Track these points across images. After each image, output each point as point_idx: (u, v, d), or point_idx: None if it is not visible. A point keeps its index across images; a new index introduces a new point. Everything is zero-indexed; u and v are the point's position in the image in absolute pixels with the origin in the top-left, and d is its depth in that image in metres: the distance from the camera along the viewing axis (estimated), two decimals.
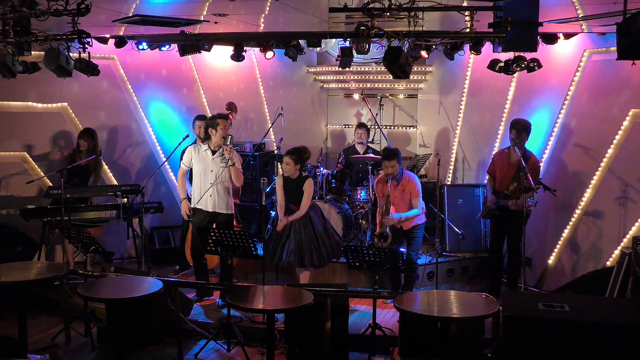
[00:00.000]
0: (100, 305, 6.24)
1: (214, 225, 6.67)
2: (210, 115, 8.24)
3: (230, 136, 6.51)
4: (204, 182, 6.66)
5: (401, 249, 6.86)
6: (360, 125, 8.77)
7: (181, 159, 7.23)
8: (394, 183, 6.77)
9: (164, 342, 6.13)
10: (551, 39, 6.95)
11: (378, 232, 6.79)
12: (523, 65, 6.63)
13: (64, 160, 7.74)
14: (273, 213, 8.17)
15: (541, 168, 7.42)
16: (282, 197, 6.88)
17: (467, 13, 5.85)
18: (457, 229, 7.98)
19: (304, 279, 6.90)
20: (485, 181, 7.38)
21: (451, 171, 8.96)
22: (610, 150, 6.72)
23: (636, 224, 6.49)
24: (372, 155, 8.34)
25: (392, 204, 6.79)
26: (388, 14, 5.43)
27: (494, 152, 7.75)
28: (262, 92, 9.58)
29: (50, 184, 7.66)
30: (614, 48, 5.31)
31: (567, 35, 6.94)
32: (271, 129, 9.08)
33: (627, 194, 6.58)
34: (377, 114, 9.05)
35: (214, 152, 6.62)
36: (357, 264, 5.94)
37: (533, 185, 6.64)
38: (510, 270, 7.11)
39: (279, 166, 9.13)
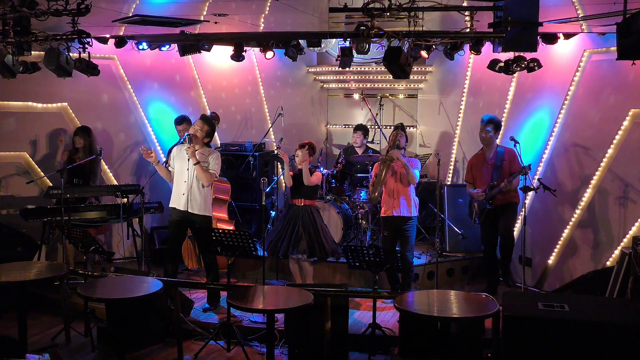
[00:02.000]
0: (100, 305, 6.25)
1: (190, 229, 6.78)
2: (210, 115, 8.24)
3: (189, 135, 6.47)
4: (180, 180, 6.61)
5: (398, 248, 6.88)
6: (356, 128, 8.72)
7: (167, 159, 7.16)
8: (401, 150, 6.81)
9: (164, 342, 6.13)
10: (551, 39, 6.95)
11: (384, 157, 6.81)
12: (523, 65, 6.62)
13: (64, 161, 7.72)
14: (273, 213, 8.18)
15: (541, 168, 7.44)
16: (290, 181, 7.03)
17: (467, 13, 5.86)
18: (457, 229, 7.98)
19: (309, 274, 6.98)
20: (466, 188, 7.37)
21: (451, 171, 8.96)
22: (610, 150, 6.72)
23: (636, 224, 6.49)
24: (372, 154, 8.34)
25: (390, 183, 6.85)
26: (388, 14, 5.43)
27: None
28: (262, 92, 9.58)
29: (50, 184, 7.67)
30: (614, 48, 5.32)
31: (567, 35, 6.94)
32: (271, 129, 9.09)
33: (627, 194, 6.58)
34: (377, 114, 9.04)
35: None
36: (357, 264, 5.94)
37: (531, 184, 6.67)
38: (502, 254, 7.12)
39: (279, 166, 9.15)
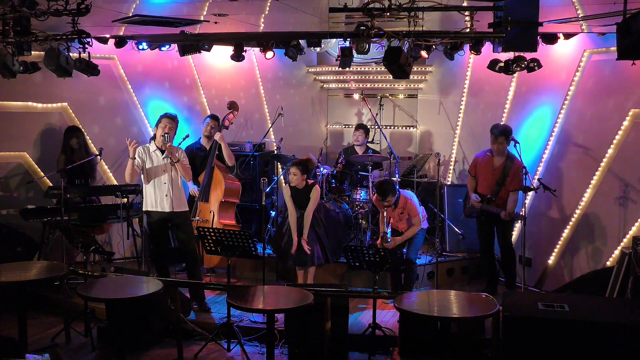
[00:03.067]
0: (100, 305, 6.25)
1: (172, 228, 6.78)
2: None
3: (166, 134, 6.42)
4: (157, 182, 6.54)
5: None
6: (358, 126, 8.74)
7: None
8: (392, 207, 6.81)
9: (164, 342, 6.13)
10: (551, 39, 6.94)
11: (379, 243, 6.88)
12: (523, 65, 6.62)
13: (62, 164, 7.68)
14: (273, 213, 8.18)
15: (541, 168, 7.44)
16: (292, 206, 7.00)
17: (467, 13, 5.86)
18: (457, 229, 7.98)
19: (311, 275, 6.99)
20: (467, 180, 7.36)
21: (451, 171, 8.96)
22: (610, 150, 6.72)
23: (636, 224, 6.49)
24: (372, 154, 8.34)
25: (391, 221, 6.96)
26: (388, 14, 5.43)
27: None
28: (262, 92, 9.58)
29: (50, 184, 7.66)
30: (614, 48, 5.31)
31: (567, 35, 6.94)
32: (271, 129, 9.08)
33: (627, 194, 6.58)
34: (377, 114, 9.04)
35: (163, 152, 6.52)
36: (357, 264, 5.94)
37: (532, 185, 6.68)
38: (505, 268, 7.13)
39: (279, 166, 9.15)
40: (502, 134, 6.93)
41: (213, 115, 7.96)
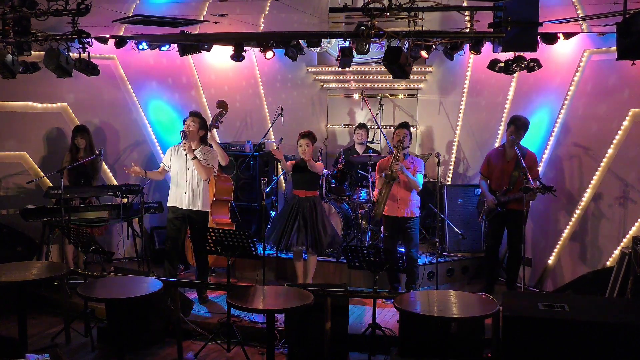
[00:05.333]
0: (100, 305, 6.25)
1: (189, 226, 6.88)
2: (209, 114, 8.23)
3: (182, 132, 6.61)
4: (180, 180, 6.77)
5: (400, 249, 6.88)
6: (361, 125, 8.80)
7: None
8: (403, 149, 6.78)
9: (164, 342, 6.13)
10: (551, 39, 6.95)
11: (388, 174, 6.68)
12: (523, 65, 6.63)
13: (67, 162, 7.67)
14: (273, 213, 8.18)
15: (541, 168, 7.44)
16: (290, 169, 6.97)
17: (467, 13, 5.86)
18: (457, 229, 7.98)
19: (311, 268, 7.00)
20: (479, 181, 7.34)
21: (451, 171, 8.96)
22: (610, 150, 6.72)
23: (636, 224, 6.49)
24: (372, 154, 8.34)
25: (393, 188, 6.78)
26: (388, 14, 5.44)
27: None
28: (262, 92, 9.58)
29: (50, 184, 7.66)
30: (614, 48, 5.31)
31: (567, 35, 6.95)
32: (271, 129, 9.08)
33: (627, 194, 6.58)
34: (377, 114, 9.04)
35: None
36: (357, 264, 5.94)
37: (533, 185, 6.65)
38: (510, 271, 7.11)
39: (279, 166, 9.14)
40: (512, 122, 6.95)
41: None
